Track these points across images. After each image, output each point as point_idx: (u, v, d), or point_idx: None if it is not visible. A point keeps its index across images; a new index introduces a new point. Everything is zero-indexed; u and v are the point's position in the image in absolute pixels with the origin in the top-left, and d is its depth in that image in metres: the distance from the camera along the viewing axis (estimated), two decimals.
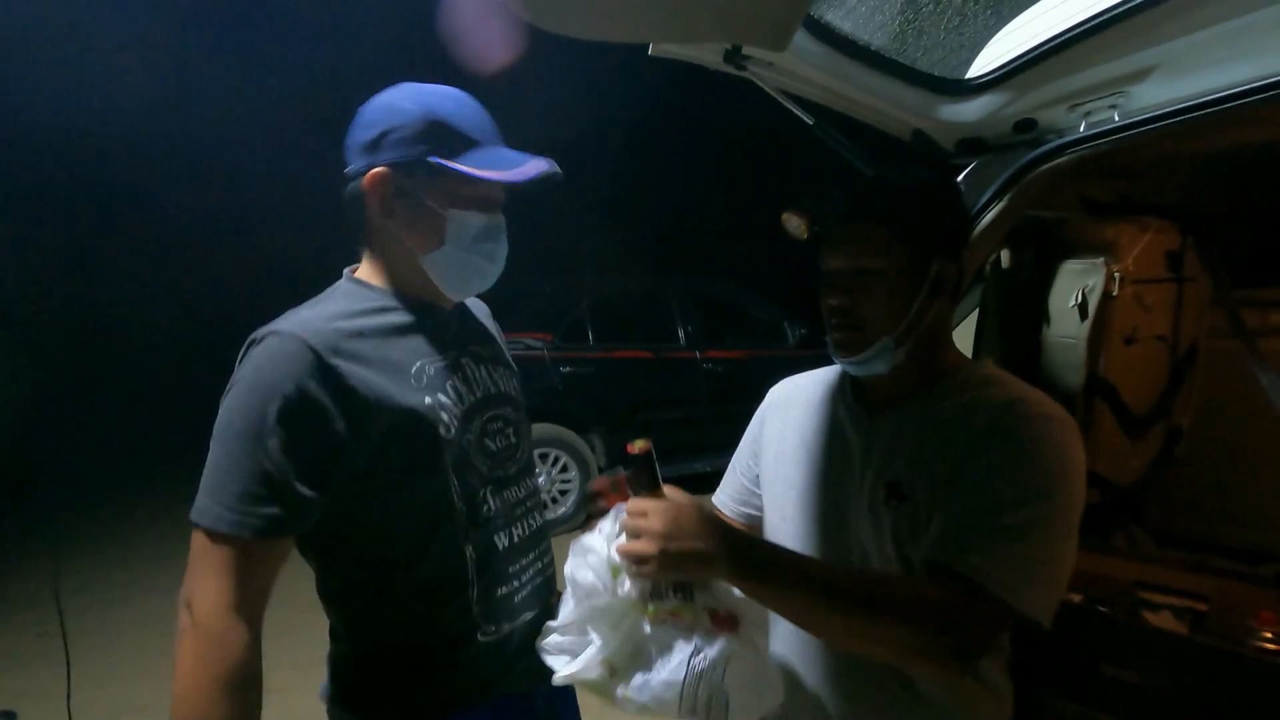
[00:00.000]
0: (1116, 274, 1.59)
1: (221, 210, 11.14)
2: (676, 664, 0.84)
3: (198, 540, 0.85)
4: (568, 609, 0.95)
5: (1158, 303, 1.76)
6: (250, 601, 0.85)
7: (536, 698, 1.07)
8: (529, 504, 1.10)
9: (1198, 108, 1.25)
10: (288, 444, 0.84)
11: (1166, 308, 1.80)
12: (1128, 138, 1.35)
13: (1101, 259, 1.62)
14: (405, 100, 0.96)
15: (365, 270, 1.04)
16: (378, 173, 0.94)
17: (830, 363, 1.11)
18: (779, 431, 1.17)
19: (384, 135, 0.94)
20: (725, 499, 1.25)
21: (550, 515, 1.04)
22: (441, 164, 0.92)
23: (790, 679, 1.03)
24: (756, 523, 1.19)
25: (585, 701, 1.12)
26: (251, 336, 0.90)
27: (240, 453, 0.84)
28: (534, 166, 0.94)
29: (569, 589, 0.94)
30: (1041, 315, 1.72)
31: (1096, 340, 1.63)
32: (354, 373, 0.89)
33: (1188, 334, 1.87)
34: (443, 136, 0.94)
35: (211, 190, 11.19)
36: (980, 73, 1.47)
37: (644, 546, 0.84)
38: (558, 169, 0.97)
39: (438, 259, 0.98)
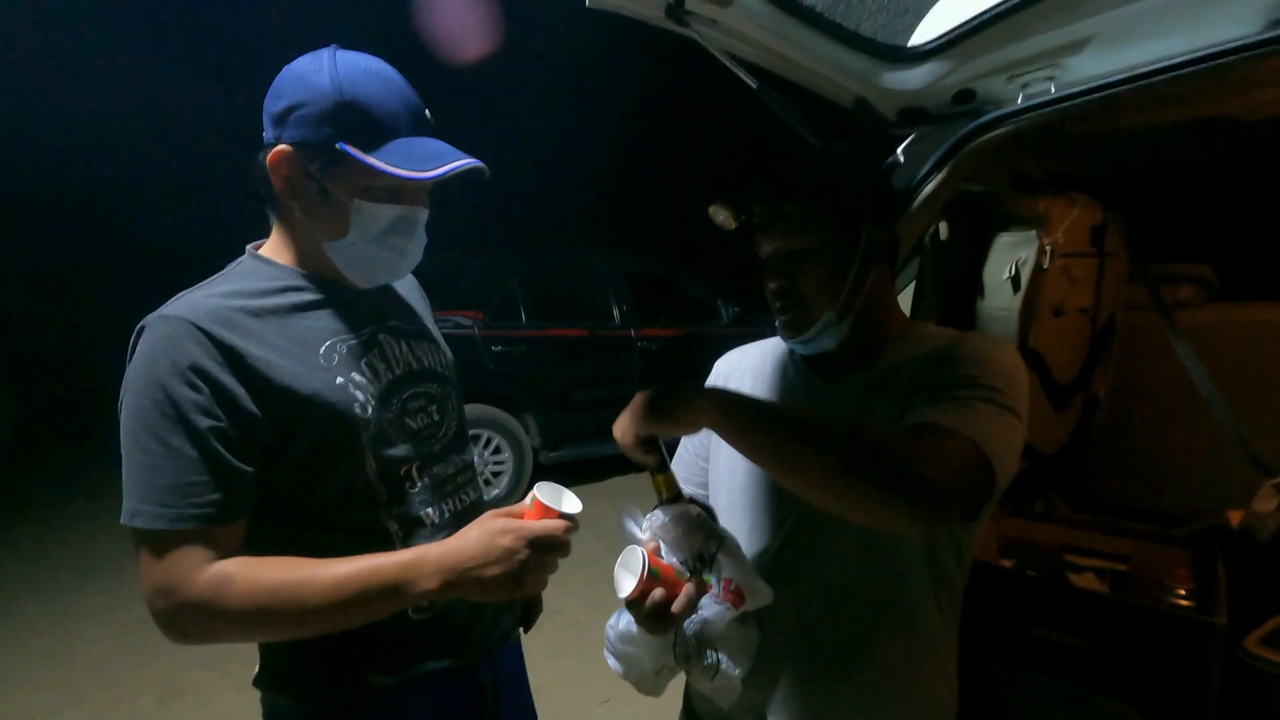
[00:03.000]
0: (1048, 247, 1.63)
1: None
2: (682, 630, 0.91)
3: (141, 548, 0.81)
4: (626, 619, 0.95)
5: (1082, 276, 1.82)
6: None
7: (481, 672, 1.05)
8: (460, 480, 1.06)
9: (1131, 80, 1.27)
10: (202, 427, 0.81)
11: (1089, 281, 1.86)
12: (1063, 110, 1.36)
13: (1034, 231, 1.65)
14: (320, 74, 0.87)
15: (270, 246, 0.99)
16: (280, 151, 0.88)
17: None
18: None
19: (291, 110, 0.87)
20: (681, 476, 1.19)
21: (485, 497, 1.03)
22: (348, 153, 0.86)
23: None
24: None
25: (541, 681, 1.09)
26: (139, 325, 0.85)
27: (156, 446, 0.80)
28: (450, 165, 0.87)
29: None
30: (975, 287, 1.75)
31: (1028, 312, 1.67)
32: (254, 354, 0.85)
33: (1107, 307, 1.95)
34: (354, 122, 0.87)
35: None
36: (923, 40, 1.45)
37: (627, 417, 0.89)
38: (481, 166, 0.91)
39: (341, 249, 0.93)
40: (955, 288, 1.75)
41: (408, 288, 1.16)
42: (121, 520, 0.81)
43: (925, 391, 0.86)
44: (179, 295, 0.89)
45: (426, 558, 0.84)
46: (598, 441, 5.49)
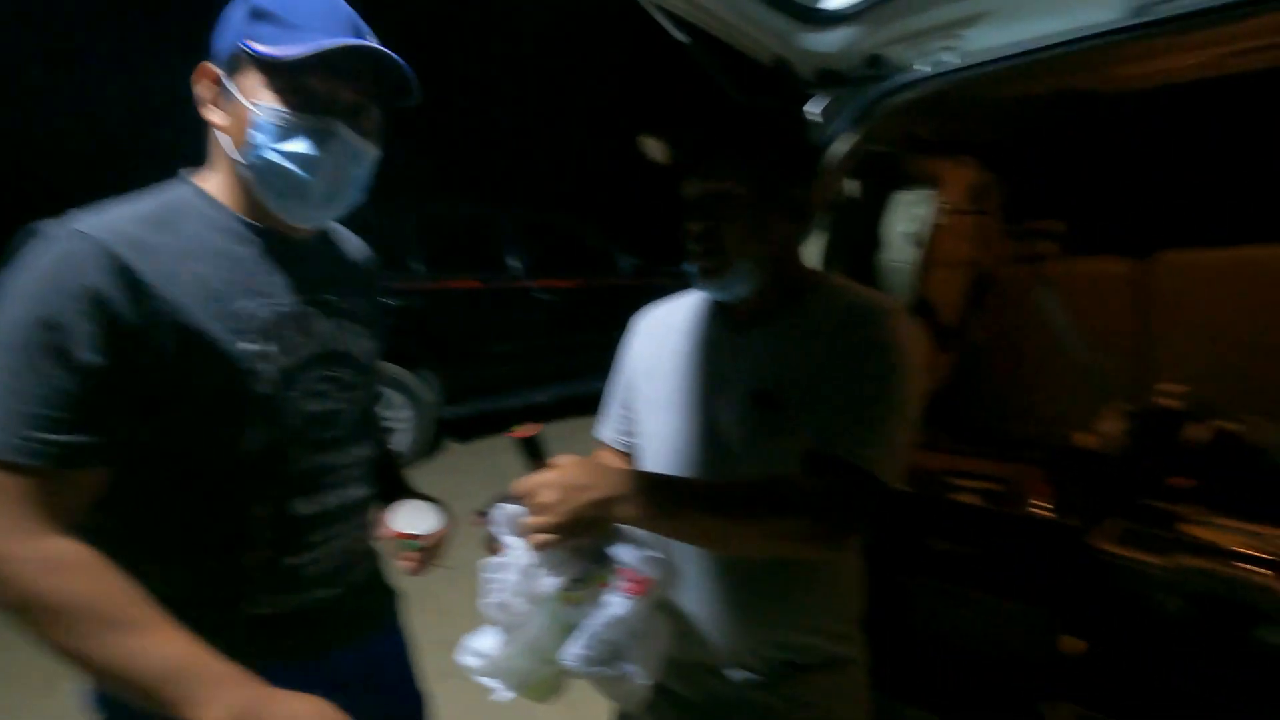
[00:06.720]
0: (943, 205, 1.79)
1: None
2: (587, 631, 0.84)
3: None
4: (497, 639, 0.90)
5: (967, 232, 2.02)
6: (55, 529, 0.73)
7: (338, 664, 0.95)
8: (349, 474, 0.98)
9: (1021, 54, 1.42)
10: (84, 360, 0.73)
11: (972, 236, 2.07)
12: (963, 78, 1.50)
13: (930, 191, 1.81)
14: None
15: (210, 180, 0.90)
16: (201, 66, 0.86)
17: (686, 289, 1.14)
18: (650, 357, 1.17)
19: (218, 31, 0.86)
20: (610, 433, 1.24)
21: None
22: (244, 47, 0.82)
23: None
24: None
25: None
26: (35, 229, 0.76)
27: (26, 370, 0.72)
28: (324, 42, 0.80)
29: (494, 619, 0.89)
30: (877, 242, 1.90)
31: (922, 265, 1.85)
32: (164, 295, 0.78)
33: (985, 259, 2.18)
34: (262, 23, 0.83)
35: None
36: (838, 5, 1.53)
37: (546, 519, 0.83)
38: (377, 49, 0.84)
39: (247, 159, 0.85)
40: (859, 242, 1.89)
41: (360, 265, 1.10)
42: None
43: (833, 385, 0.94)
44: (98, 209, 0.80)
45: (228, 688, 0.70)
46: (503, 395, 5.44)
